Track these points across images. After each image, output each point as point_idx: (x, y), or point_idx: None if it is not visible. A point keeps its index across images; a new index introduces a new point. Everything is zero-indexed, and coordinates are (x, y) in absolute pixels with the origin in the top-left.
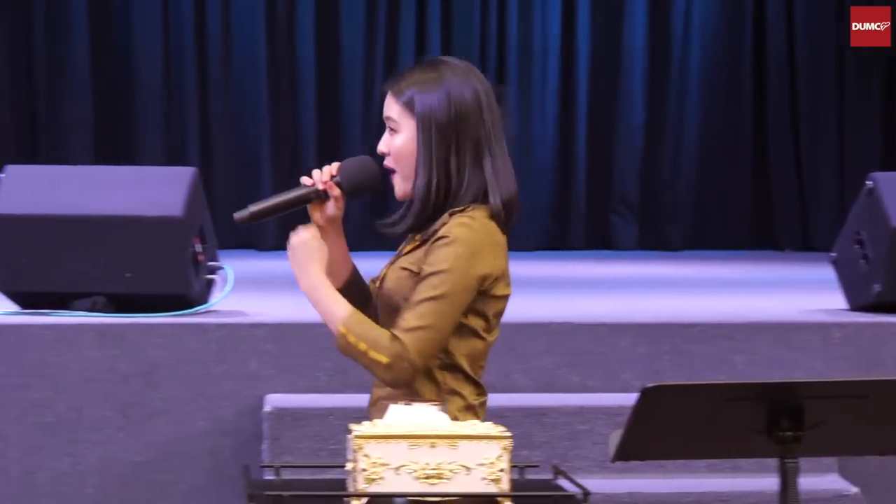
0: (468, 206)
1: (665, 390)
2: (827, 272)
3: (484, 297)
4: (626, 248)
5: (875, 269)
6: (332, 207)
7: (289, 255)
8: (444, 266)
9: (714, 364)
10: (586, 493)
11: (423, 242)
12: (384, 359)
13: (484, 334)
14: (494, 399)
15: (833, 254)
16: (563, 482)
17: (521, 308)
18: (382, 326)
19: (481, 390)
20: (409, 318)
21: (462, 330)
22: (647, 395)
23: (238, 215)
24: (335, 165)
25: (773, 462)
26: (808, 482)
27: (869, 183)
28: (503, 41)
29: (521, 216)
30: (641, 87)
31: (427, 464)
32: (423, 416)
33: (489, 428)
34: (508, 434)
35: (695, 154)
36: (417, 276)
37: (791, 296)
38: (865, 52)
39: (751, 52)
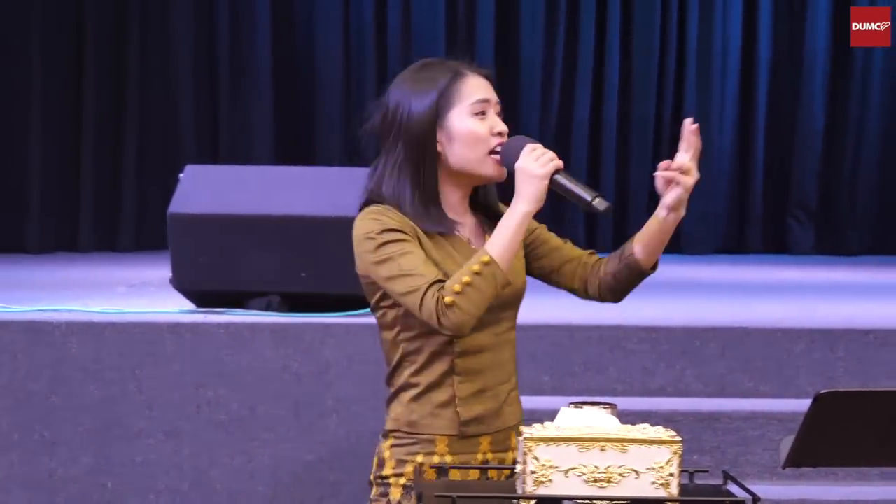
0: None
1: (839, 396)
2: None
3: None
4: (803, 253)
5: None
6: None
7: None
8: None
9: (889, 371)
10: (756, 499)
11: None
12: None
13: None
14: (666, 403)
15: None
16: (732, 487)
17: (695, 312)
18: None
19: None
20: None
21: None
22: (821, 400)
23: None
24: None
25: None
26: None
27: None
28: (683, 43)
29: (698, 220)
30: (822, 90)
31: (596, 467)
32: (593, 418)
33: (660, 432)
34: (679, 438)
35: (876, 158)
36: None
37: None
38: None
39: None
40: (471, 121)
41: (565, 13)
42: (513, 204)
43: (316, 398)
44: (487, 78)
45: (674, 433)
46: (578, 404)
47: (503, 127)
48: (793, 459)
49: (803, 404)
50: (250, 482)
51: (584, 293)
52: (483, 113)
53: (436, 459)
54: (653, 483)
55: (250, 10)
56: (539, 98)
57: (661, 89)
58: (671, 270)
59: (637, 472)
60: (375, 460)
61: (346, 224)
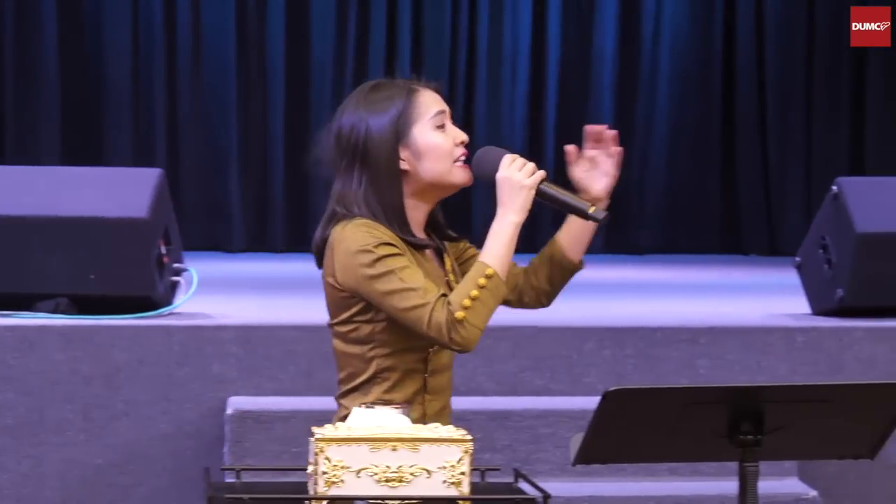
0: None
1: (627, 394)
2: (792, 277)
3: None
4: (592, 253)
5: (839, 274)
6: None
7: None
8: None
9: (677, 368)
10: (546, 497)
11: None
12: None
13: None
14: (458, 402)
15: (797, 259)
16: (524, 485)
17: None
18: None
19: None
20: None
21: None
22: (608, 398)
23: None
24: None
25: (733, 465)
26: (768, 486)
27: (834, 188)
28: (473, 45)
29: (492, 219)
30: (610, 93)
31: (388, 467)
32: (385, 418)
33: (451, 431)
34: (470, 437)
35: (663, 159)
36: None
37: (756, 300)
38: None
39: (720, 58)
40: (434, 134)
41: (356, 12)
42: (500, 215)
43: (106, 401)
44: (437, 91)
45: (465, 432)
46: (370, 404)
47: (464, 136)
48: (582, 456)
49: (593, 402)
50: (38, 487)
51: (518, 303)
52: (442, 125)
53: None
54: (444, 482)
55: (36, 9)
56: (330, 99)
57: (452, 91)
58: None
59: (429, 472)
60: None
61: (134, 225)
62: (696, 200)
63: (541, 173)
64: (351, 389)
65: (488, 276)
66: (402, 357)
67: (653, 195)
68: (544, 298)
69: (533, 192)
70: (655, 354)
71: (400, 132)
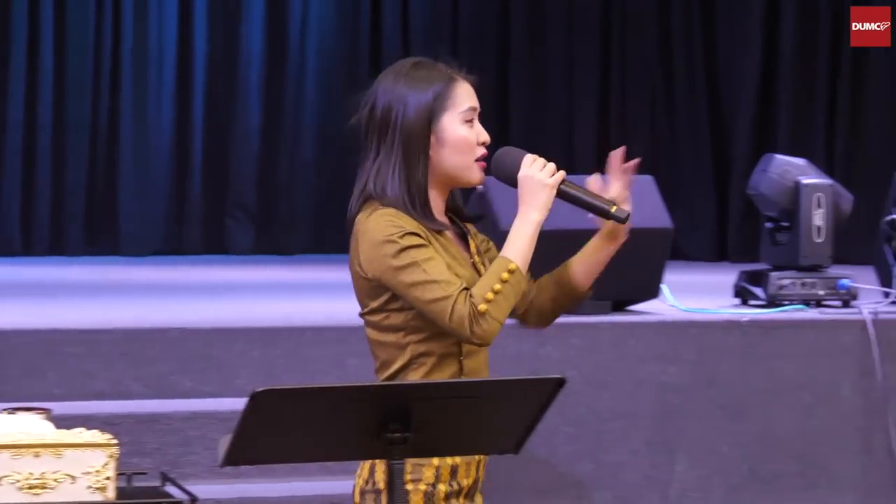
0: None
1: (275, 394)
2: None
3: None
4: (242, 253)
5: None
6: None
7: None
8: None
9: (327, 367)
10: (193, 500)
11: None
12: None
13: None
14: (106, 406)
15: None
16: (171, 489)
17: (133, 314)
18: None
19: None
20: None
21: None
22: (256, 398)
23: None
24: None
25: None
26: None
27: (479, 187)
28: (118, 42)
29: (138, 221)
30: (258, 93)
31: (31, 473)
32: (27, 424)
33: (95, 436)
34: (115, 441)
35: (312, 158)
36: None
37: None
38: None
39: (367, 58)
40: (462, 128)
41: None
42: (523, 213)
43: None
44: (474, 85)
45: (110, 436)
46: (12, 410)
47: (487, 137)
48: (230, 458)
49: (243, 403)
50: None
51: (521, 318)
52: (471, 121)
53: (449, 462)
54: (89, 487)
55: None
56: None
57: (97, 89)
58: (110, 272)
59: (73, 478)
60: (381, 466)
61: None
62: (344, 200)
63: (561, 173)
64: (388, 378)
65: (511, 271)
66: (437, 341)
67: (302, 195)
68: (545, 319)
69: (554, 190)
70: (305, 354)
71: (433, 116)
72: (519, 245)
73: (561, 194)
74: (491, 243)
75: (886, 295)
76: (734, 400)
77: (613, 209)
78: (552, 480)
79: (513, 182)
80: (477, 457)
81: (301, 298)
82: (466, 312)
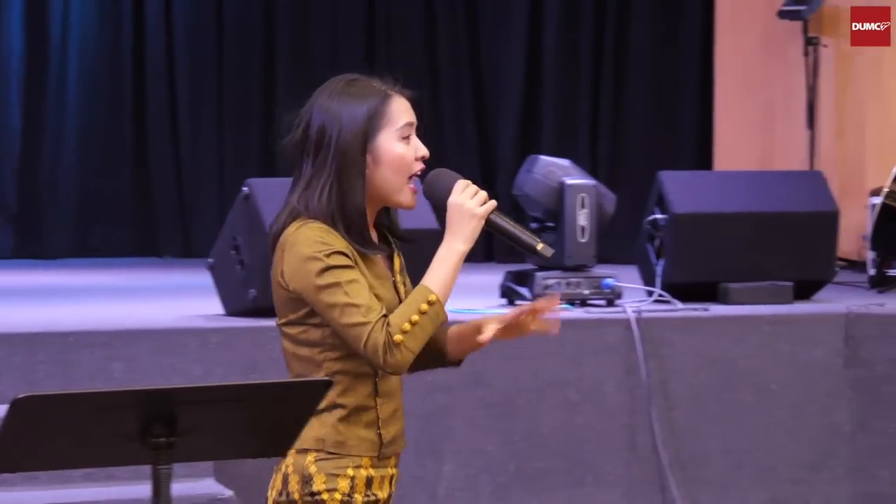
0: None
1: (36, 401)
2: (206, 278)
3: None
4: (2, 257)
5: (251, 274)
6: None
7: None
8: None
9: (92, 373)
10: None
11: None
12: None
13: None
14: None
15: (210, 259)
16: None
17: None
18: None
19: None
20: None
21: None
22: (17, 406)
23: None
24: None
25: (148, 469)
26: (184, 487)
27: (245, 189)
28: None
29: None
30: (19, 92)
31: None
32: None
33: None
34: None
35: (75, 160)
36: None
37: (170, 302)
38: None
39: (130, 58)
40: (399, 145)
41: None
42: (448, 242)
43: None
44: (410, 100)
45: None
46: None
47: (425, 151)
48: None
49: (3, 410)
50: None
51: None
52: (408, 137)
53: (363, 473)
54: None
55: None
56: None
57: None
58: None
59: None
60: (295, 477)
61: None
62: (109, 202)
63: (492, 203)
64: None
65: (430, 303)
66: (352, 361)
67: (64, 197)
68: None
69: (483, 221)
70: (68, 360)
71: (368, 135)
72: (441, 275)
73: (490, 224)
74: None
75: (650, 294)
76: (500, 399)
77: (540, 247)
78: None
79: (443, 206)
80: (390, 471)
81: (64, 303)
82: (382, 341)
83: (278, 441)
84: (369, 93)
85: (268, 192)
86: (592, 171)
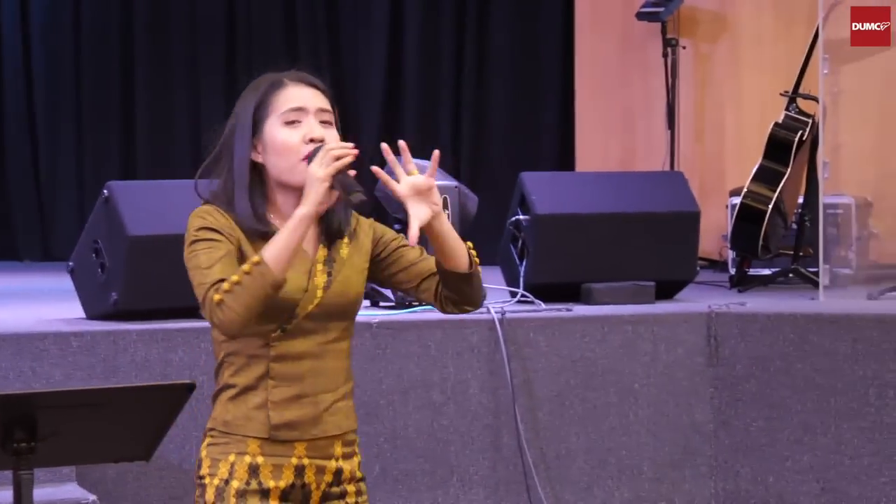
0: None
1: None
2: (66, 282)
3: None
4: None
5: (112, 277)
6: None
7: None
8: None
9: None
10: None
11: (351, 241)
12: None
13: None
14: None
15: (71, 263)
16: None
17: None
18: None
19: None
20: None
21: None
22: None
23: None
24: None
25: (8, 474)
26: (46, 492)
27: (105, 192)
28: None
29: None
30: None
31: None
32: None
33: None
34: None
35: None
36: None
37: (29, 306)
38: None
39: None
40: (281, 130)
41: None
42: (299, 207)
43: None
44: (315, 87)
45: None
46: None
47: (316, 133)
48: None
49: None
50: None
51: (443, 309)
52: (296, 122)
53: (247, 460)
54: None
55: None
56: None
57: None
58: None
59: None
60: (196, 461)
61: None
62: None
63: (339, 163)
64: (214, 373)
65: (255, 263)
66: (245, 342)
67: None
68: (460, 307)
69: (326, 183)
70: None
71: (255, 125)
72: (275, 239)
73: (337, 183)
74: (398, 240)
75: (513, 294)
76: (365, 400)
77: (353, 195)
78: (187, 486)
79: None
80: (294, 460)
81: None
82: (210, 301)
83: (141, 445)
84: (261, 84)
85: (128, 195)
86: (455, 173)
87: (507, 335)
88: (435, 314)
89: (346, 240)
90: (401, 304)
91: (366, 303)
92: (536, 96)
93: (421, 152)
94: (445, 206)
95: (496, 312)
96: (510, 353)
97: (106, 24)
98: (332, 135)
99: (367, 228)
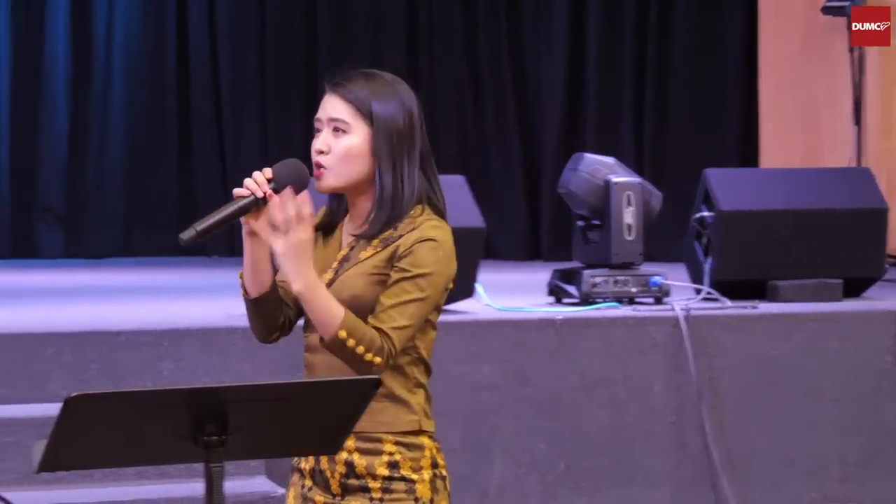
0: (422, 210)
1: (88, 399)
2: None
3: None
4: (51, 257)
5: None
6: (270, 212)
7: (282, 255)
8: (431, 269)
9: (140, 371)
10: None
11: (385, 246)
12: (378, 360)
13: (435, 325)
14: None
15: None
16: None
17: None
18: None
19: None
20: (397, 317)
21: (424, 324)
22: (70, 404)
23: (185, 235)
24: (268, 171)
25: (200, 467)
26: (236, 485)
27: None
28: None
29: None
30: (64, 94)
31: None
32: None
33: None
34: None
35: (120, 162)
36: (386, 279)
37: (218, 301)
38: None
39: (175, 59)
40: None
41: None
42: None
43: None
44: (339, 89)
45: None
46: None
47: (318, 144)
48: (46, 464)
49: (56, 408)
50: None
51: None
52: (317, 131)
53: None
54: None
55: None
56: None
57: None
58: None
59: None
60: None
61: None
62: (155, 202)
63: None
64: None
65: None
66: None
67: (110, 198)
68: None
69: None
70: (118, 358)
71: None
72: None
73: (202, 235)
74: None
75: (698, 292)
76: (548, 398)
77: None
78: None
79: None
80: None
81: (112, 302)
82: None
83: (328, 439)
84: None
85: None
86: (637, 169)
87: (692, 332)
88: (619, 311)
89: (375, 241)
90: (584, 301)
91: (549, 299)
92: (719, 91)
93: (603, 148)
94: (629, 203)
95: (681, 309)
96: (695, 350)
97: (290, 21)
98: (344, 142)
99: (408, 242)
